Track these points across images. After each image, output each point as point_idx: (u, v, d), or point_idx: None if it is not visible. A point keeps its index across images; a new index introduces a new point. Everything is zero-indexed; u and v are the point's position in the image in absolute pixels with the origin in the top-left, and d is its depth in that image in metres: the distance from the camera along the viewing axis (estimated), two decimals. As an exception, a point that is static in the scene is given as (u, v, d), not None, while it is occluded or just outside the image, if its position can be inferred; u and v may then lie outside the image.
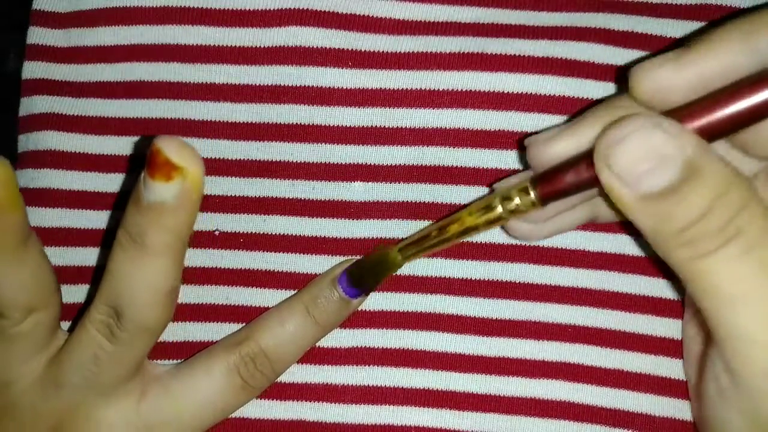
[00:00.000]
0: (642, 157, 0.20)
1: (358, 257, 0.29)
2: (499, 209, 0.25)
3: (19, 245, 0.23)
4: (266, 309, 0.30)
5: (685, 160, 0.20)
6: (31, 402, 0.26)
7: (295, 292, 0.30)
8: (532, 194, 0.24)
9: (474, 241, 0.30)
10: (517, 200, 0.25)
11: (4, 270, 0.23)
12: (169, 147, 0.21)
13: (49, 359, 0.27)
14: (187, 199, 0.22)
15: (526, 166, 0.28)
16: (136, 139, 0.31)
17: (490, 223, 0.26)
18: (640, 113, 0.21)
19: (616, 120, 0.21)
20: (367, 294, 0.29)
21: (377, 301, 0.30)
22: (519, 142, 0.30)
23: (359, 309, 0.30)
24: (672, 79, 0.23)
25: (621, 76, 0.30)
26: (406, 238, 0.27)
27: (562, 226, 0.27)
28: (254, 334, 0.28)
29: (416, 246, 0.27)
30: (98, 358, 0.25)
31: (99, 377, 0.26)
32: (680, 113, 0.22)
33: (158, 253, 0.23)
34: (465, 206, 0.26)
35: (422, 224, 0.30)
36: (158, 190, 0.21)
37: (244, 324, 0.30)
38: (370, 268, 0.28)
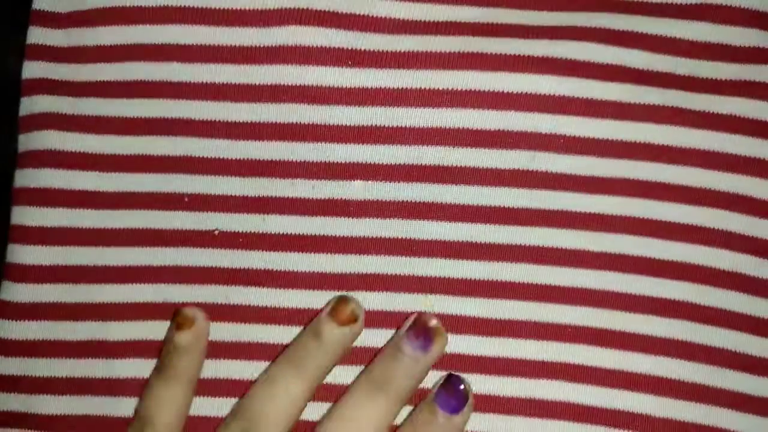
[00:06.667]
0: None
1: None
2: None
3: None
4: (266, 308, 0.30)
5: None
6: None
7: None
8: None
9: (473, 242, 0.30)
10: None
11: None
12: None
13: None
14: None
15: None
16: (136, 138, 0.31)
17: None
18: None
19: None
20: None
21: (376, 301, 0.30)
22: None
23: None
24: None
25: None
26: None
27: None
28: None
29: None
30: None
31: None
32: None
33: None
34: None
35: (421, 224, 0.30)
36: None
37: (243, 324, 0.30)
38: None
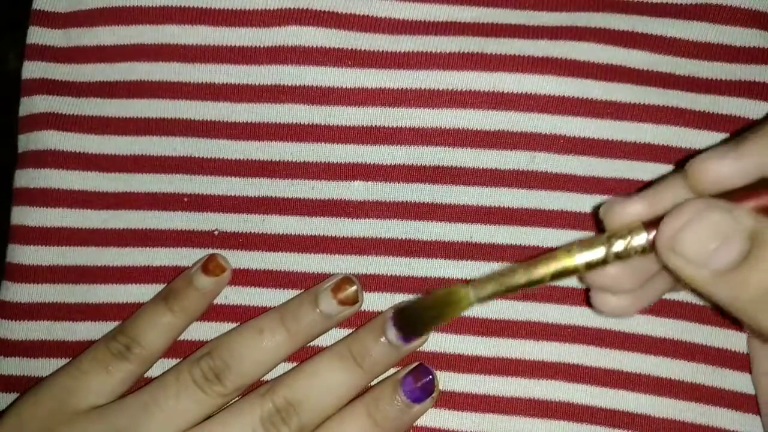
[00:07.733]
0: (708, 238, 0.21)
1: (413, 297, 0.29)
2: (603, 250, 0.23)
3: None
4: (266, 309, 0.30)
5: (747, 232, 0.21)
6: None
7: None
8: (643, 237, 0.23)
9: (474, 242, 0.30)
10: (625, 242, 0.23)
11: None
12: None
13: None
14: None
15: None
16: (136, 138, 0.31)
17: (591, 267, 0.23)
18: (693, 199, 0.22)
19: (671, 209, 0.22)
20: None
21: (375, 302, 0.30)
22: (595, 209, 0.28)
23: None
24: (730, 171, 0.23)
25: (680, 163, 0.28)
26: (483, 276, 0.24)
27: (647, 298, 0.26)
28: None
29: (495, 284, 0.24)
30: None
31: None
32: (733, 195, 0.22)
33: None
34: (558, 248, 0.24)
35: (421, 224, 0.30)
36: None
37: (242, 324, 0.30)
38: (432, 306, 0.25)
